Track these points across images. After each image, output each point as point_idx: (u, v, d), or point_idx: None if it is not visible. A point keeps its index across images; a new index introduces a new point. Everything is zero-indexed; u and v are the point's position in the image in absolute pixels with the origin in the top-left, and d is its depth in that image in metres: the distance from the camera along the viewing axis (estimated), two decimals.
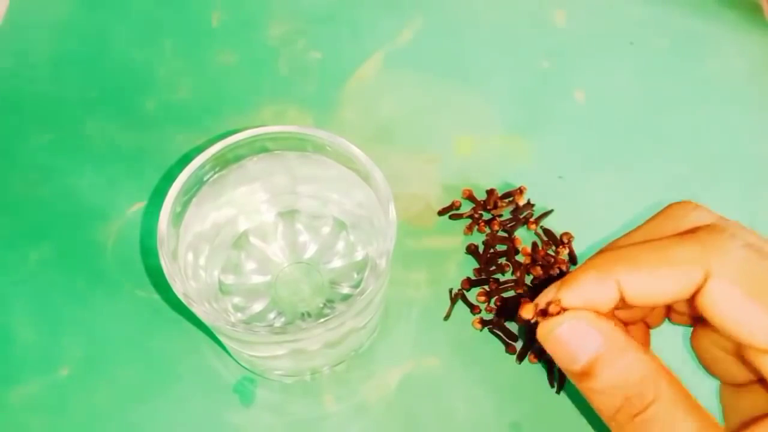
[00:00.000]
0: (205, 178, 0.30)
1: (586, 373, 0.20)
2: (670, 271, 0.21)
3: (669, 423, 0.19)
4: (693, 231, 0.22)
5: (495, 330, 0.34)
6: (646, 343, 0.27)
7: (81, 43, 0.43)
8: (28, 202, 0.37)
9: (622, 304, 0.21)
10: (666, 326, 0.27)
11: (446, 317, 0.35)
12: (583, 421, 0.33)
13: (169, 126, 0.40)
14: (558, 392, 0.33)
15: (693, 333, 0.25)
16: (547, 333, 0.21)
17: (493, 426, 0.32)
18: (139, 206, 0.37)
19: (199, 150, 0.29)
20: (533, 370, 0.34)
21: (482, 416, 0.33)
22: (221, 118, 0.40)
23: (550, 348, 0.21)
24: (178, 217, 0.29)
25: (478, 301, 0.35)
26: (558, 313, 0.21)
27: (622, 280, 0.21)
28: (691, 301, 0.21)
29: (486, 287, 0.35)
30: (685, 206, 0.23)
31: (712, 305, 0.20)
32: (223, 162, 0.30)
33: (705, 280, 0.20)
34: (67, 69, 0.42)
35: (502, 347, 0.34)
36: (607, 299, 0.21)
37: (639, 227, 0.24)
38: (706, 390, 0.24)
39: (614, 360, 0.20)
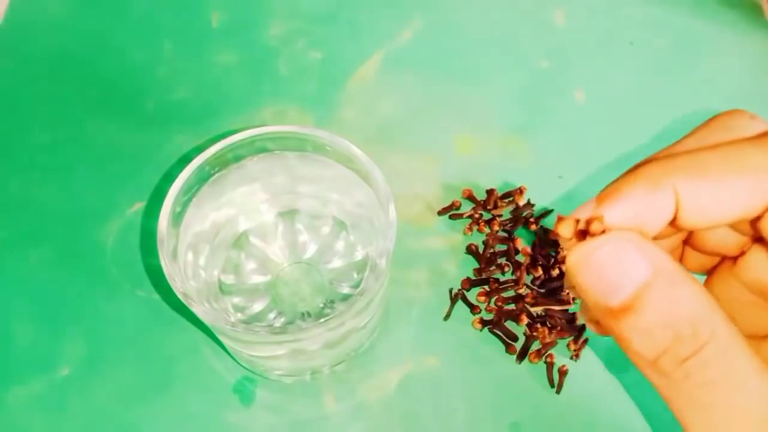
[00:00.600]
0: (205, 178, 0.30)
1: (627, 308, 0.16)
2: (743, 180, 0.17)
3: (725, 365, 0.16)
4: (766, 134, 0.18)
5: (495, 330, 0.34)
6: None
7: (81, 43, 0.43)
8: (28, 202, 0.37)
9: (673, 224, 0.18)
10: None
11: (446, 317, 0.35)
12: (583, 421, 0.33)
13: (169, 126, 0.40)
14: (558, 392, 0.33)
15: (711, 276, 0.22)
16: (583, 257, 0.17)
17: (493, 426, 0.32)
18: (139, 206, 0.37)
19: (199, 150, 0.29)
20: (533, 370, 0.34)
21: (482, 416, 0.33)
22: (221, 118, 0.40)
23: (583, 277, 0.17)
24: (178, 217, 0.29)
25: (478, 301, 0.35)
26: (601, 234, 0.17)
27: (682, 191, 0.17)
28: (755, 222, 0.18)
29: (486, 287, 0.35)
30: (741, 114, 0.19)
31: None
32: (223, 162, 0.30)
33: None
34: (67, 69, 0.42)
35: (502, 347, 0.34)
36: (660, 216, 0.17)
37: (686, 137, 0.20)
38: None
39: (665, 291, 0.16)
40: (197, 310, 0.26)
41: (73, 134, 0.39)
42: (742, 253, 0.20)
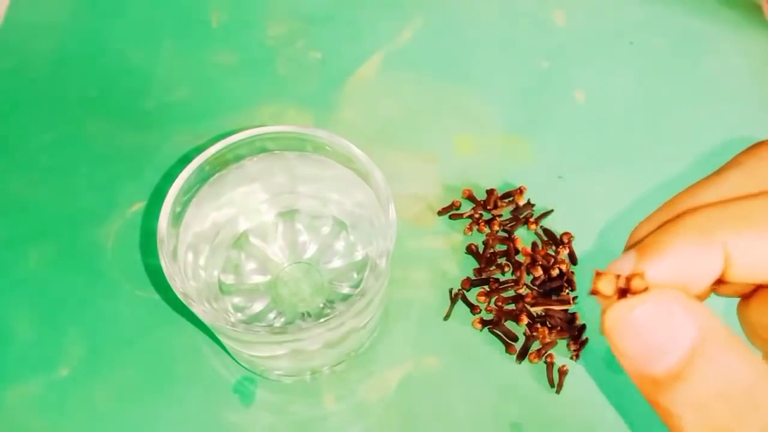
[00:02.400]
0: (205, 178, 0.30)
1: (674, 376, 0.14)
2: None
3: None
4: None
5: (495, 330, 0.34)
6: None
7: (81, 43, 0.43)
8: (28, 202, 0.37)
9: (720, 281, 0.16)
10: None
11: (446, 317, 0.35)
12: (583, 421, 0.33)
13: (169, 126, 0.40)
14: (558, 392, 0.33)
15: (744, 300, 0.20)
16: (623, 317, 0.15)
17: (493, 426, 0.32)
18: (139, 206, 0.37)
19: (199, 150, 0.29)
20: (533, 370, 0.34)
21: (482, 416, 0.33)
22: (221, 118, 0.40)
23: (622, 338, 0.15)
24: (178, 217, 0.29)
25: (478, 301, 0.35)
26: (642, 291, 0.15)
27: (731, 247, 0.15)
28: None
29: (486, 287, 0.35)
30: None
31: None
32: (223, 162, 0.30)
33: None
34: (67, 69, 0.42)
35: (502, 347, 0.34)
36: (709, 274, 0.15)
37: (715, 174, 0.18)
38: None
39: (714, 358, 0.14)
40: (197, 310, 0.26)
41: (73, 134, 0.39)
42: None
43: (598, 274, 0.16)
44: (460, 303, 0.35)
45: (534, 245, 0.36)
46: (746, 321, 0.19)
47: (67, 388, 0.33)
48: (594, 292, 0.16)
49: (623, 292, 0.15)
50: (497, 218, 0.37)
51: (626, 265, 0.16)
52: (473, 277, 0.35)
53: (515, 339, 0.34)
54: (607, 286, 0.15)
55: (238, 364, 0.33)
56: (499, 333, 0.34)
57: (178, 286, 0.26)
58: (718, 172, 0.18)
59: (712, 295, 0.19)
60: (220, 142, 0.29)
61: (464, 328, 0.35)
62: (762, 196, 0.16)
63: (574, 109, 0.41)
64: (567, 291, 0.35)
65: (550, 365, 0.33)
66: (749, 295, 0.19)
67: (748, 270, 0.16)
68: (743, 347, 0.15)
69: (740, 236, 0.15)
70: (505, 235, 0.37)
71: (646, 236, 0.16)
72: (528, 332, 0.34)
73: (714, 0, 0.45)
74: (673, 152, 0.40)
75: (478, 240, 0.37)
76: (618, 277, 0.15)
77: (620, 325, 0.15)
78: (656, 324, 0.15)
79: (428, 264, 0.36)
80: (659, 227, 0.16)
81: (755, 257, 0.15)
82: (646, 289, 0.15)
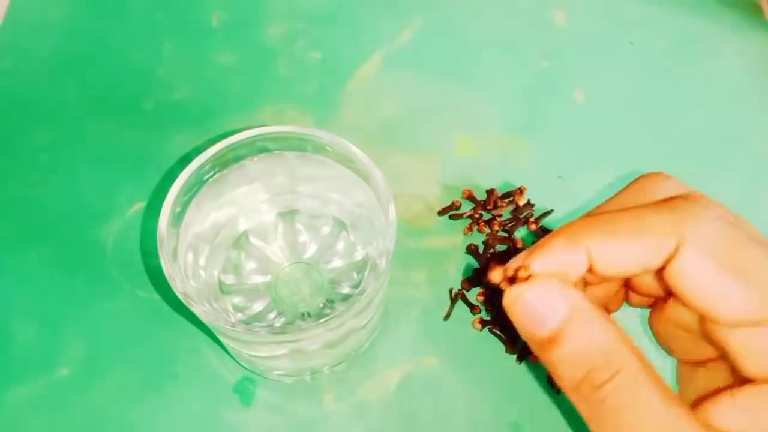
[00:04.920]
0: (205, 178, 0.30)
1: (550, 341, 0.20)
2: (642, 240, 0.20)
3: (634, 392, 0.19)
4: (667, 200, 0.21)
5: (495, 330, 0.34)
6: None
7: (81, 43, 0.43)
8: (28, 202, 0.37)
9: (591, 273, 0.21)
10: (624, 308, 0.27)
11: (446, 317, 0.35)
12: (583, 421, 0.33)
13: (169, 126, 0.40)
14: (558, 392, 0.33)
15: (651, 312, 0.25)
16: (514, 298, 0.20)
17: (493, 426, 0.32)
18: (139, 206, 0.37)
19: (199, 150, 0.29)
20: (533, 370, 0.34)
21: (482, 416, 0.33)
22: (221, 118, 0.40)
23: (515, 314, 0.20)
24: (178, 217, 0.29)
25: (478, 301, 0.35)
26: (526, 279, 0.20)
27: (592, 248, 0.21)
28: (660, 272, 0.21)
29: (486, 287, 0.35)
30: (656, 177, 0.23)
31: (682, 275, 0.20)
32: (223, 162, 0.30)
33: (677, 250, 0.20)
34: (67, 69, 0.42)
35: (502, 347, 0.34)
36: (577, 267, 0.21)
37: (611, 198, 0.24)
38: (662, 368, 0.24)
39: (581, 328, 0.20)
40: (197, 310, 0.26)
41: (73, 134, 0.39)
42: (668, 296, 0.23)
43: (492, 267, 0.21)
44: (460, 303, 0.35)
45: None
46: (654, 328, 0.25)
47: (67, 388, 0.33)
48: (487, 280, 0.22)
49: (512, 280, 0.21)
50: (497, 218, 0.37)
51: (519, 260, 0.21)
52: (473, 277, 0.35)
53: (515, 339, 0.34)
54: (496, 276, 0.21)
55: (238, 364, 0.33)
56: (499, 333, 0.34)
57: (178, 286, 0.26)
58: (616, 194, 0.24)
59: (625, 305, 0.26)
60: (220, 142, 0.29)
61: (464, 328, 0.35)
62: (619, 212, 0.21)
63: (574, 109, 0.41)
64: None
65: None
66: (653, 307, 0.25)
67: (606, 266, 0.21)
68: (605, 321, 0.20)
69: (598, 241, 0.21)
70: (505, 235, 0.37)
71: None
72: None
73: (714, 0, 0.45)
74: (673, 152, 0.40)
75: (478, 240, 0.37)
76: (505, 269, 0.21)
77: (515, 302, 0.20)
78: (538, 302, 0.20)
79: (428, 264, 0.36)
80: (549, 234, 0.22)
81: (610, 256, 0.21)
82: (528, 278, 0.20)
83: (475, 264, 0.36)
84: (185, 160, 0.38)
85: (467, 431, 0.32)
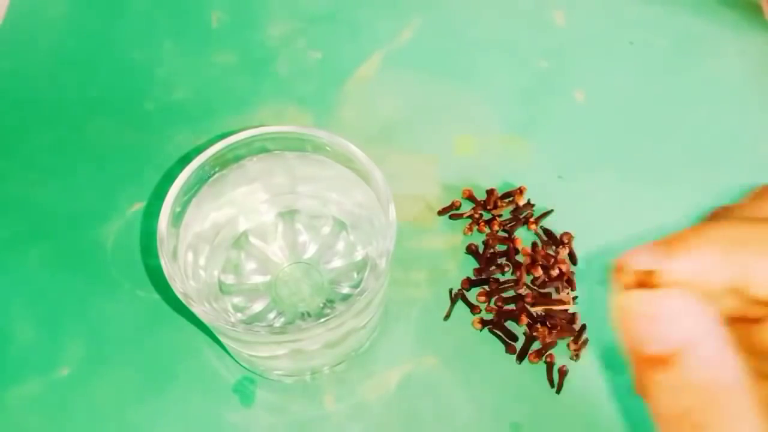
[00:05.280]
0: (205, 178, 0.30)
1: (662, 361, 0.16)
2: None
3: None
4: None
5: (495, 330, 0.34)
6: None
7: (81, 43, 0.43)
8: (28, 202, 0.37)
9: (736, 293, 0.17)
10: None
11: (446, 317, 0.35)
12: (583, 421, 0.33)
13: (169, 126, 0.40)
14: (558, 392, 0.33)
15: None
16: (635, 303, 0.17)
17: (493, 426, 0.32)
18: (139, 206, 0.37)
19: (199, 150, 0.29)
20: (533, 370, 0.34)
21: (482, 416, 0.33)
22: (221, 118, 0.40)
23: (630, 321, 0.17)
24: (178, 217, 0.29)
25: (478, 301, 0.35)
26: (657, 287, 0.17)
27: (753, 264, 0.17)
28: None
29: (486, 287, 0.35)
30: None
31: None
32: (222, 162, 0.30)
33: None
34: (67, 69, 0.42)
35: (502, 347, 0.34)
36: (724, 283, 0.17)
37: (734, 206, 0.20)
38: None
39: (706, 357, 0.16)
40: (197, 310, 0.26)
41: (73, 134, 0.39)
42: None
43: (620, 267, 0.18)
44: (460, 303, 0.35)
45: (534, 245, 0.36)
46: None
47: (67, 388, 0.33)
48: (617, 277, 0.18)
49: (640, 284, 0.17)
50: (497, 218, 0.37)
51: (647, 257, 0.17)
52: (473, 277, 0.35)
53: (515, 339, 0.34)
54: (626, 280, 0.17)
55: (238, 364, 0.33)
56: (499, 333, 0.34)
57: (178, 286, 0.26)
58: (740, 202, 0.20)
59: None
60: (220, 142, 0.29)
61: (464, 328, 0.35)
62: None
63: (574, 109, 0.41)
64: (567, 291, 0.35)
65: (550, 365, 0.33)
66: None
67: (762, 290, 0.17)
68: (730, 356, 0.16)
69: (762, 257, 0.17)
70: (505, 235, 0.37)
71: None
72: (528, 332, 0.34)
73: (714, 0, 0.45)
74: (673, 152, 0.40)
75: (478, 240, 0.37)
76: (636, 272, 0.17)
77: (633, 310, 0.17)
78: (665, 315, 0.17)
79: (428, 264, 0.36)
80: (691, 228, 0.18)
81: None
82: (660, 285, 0.17)
83: (475, 264, 0.36)
84: (185, 160, 0.38)
85: (467, 431, 0.32)
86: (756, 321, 0.19)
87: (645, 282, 0.17)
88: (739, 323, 0.20)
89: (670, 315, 0.17)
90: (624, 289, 0.17)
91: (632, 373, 0.18)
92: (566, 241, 0.36)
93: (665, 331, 0.17)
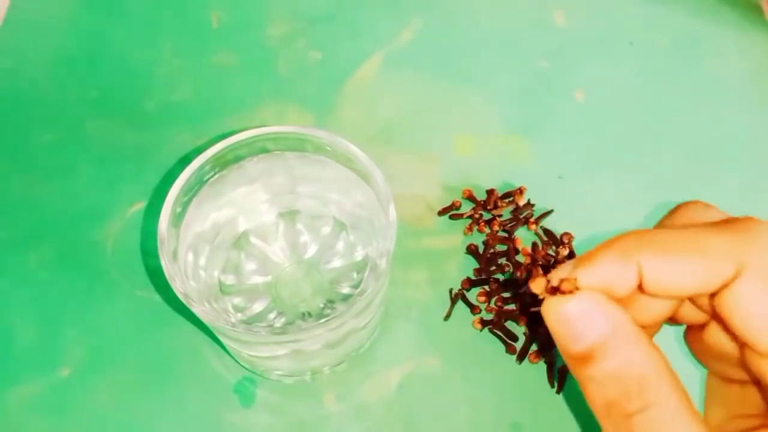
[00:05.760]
0: (205, 179, 0.30)
1: (585, 357, 0.19)
2: (700, 261, 0.19)
3: (665, 430, 0.18)
4: (729, 222, 0.20)
5: (495, 330, 0.34)
6: None
7: (81, 43, 0.43)
8: (28, 202, 0.37)
9: (639, 291, 0.20)
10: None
11: (446, 317, 0.35)
12: (583, 421, 0.33)
13: (169, 126, 0.40)
14: (558, 392, 0.33)
15: (688, 330, 0.24)
16: (553, 308, 0.19)
17: (493, 426, 0.32)
18: (139, 206, 0.37)
19: (199, 150, 0.29)
20: (533, 370, 0.34)
21: (482, 416, 0.33)
22: (221, 118, 0.40)
23: (552, 324, 0.19)
24: (178, 218, 0.29)
25: (478, 301, 0.35)
26: (570, 293, 0.19)
27: (645, 265, 0.19)
28: (711, 296, 0.20)
29: (486, 287, 0.35)
30: (696, 205, 0.22)
31: (736, 303, 0.19)
32: (223, 162, 0.30)
33: (736, 275, 0.19)
34: (67, 69, 0.42)
35: (502, 347, 0.34)
36: (625, 284, 0.19)
37: (656, 226, 0.23)
38: (692, 374, 0.24)
39: (619, 349, 0.18)
40: (197, 310, 0.26)
41: (73, 134, 0.39)
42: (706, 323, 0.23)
43: (534, 276, 0.20)
44: (460, 303, 0.35)
45: (534, 245, 0.36)
46: (691, 346, 0.24)
47: (67, 388, 0.33)
48: (528, 290, 0.20)
49: (554, 291, 0.20)
50: (497, 218, 0.37)
51: (564, 270, 0.20)
52: (473, 277, 0.35)
53: (515, 339, 0.34)
54: (538, 288, 0.20)
55: (238, 364, 0.33)
56: (499, 333, 0.34)
57: (178, 287, 0.26)
58: (659, 222, 0.23)
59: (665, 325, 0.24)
60: (220, 142, 0.29)
61: (464, 328, 0.35)
62: (676, 231, 0.20)
63: (574, 109, 0.41)
64: None
65: (550, 365, 0.33)
66: (698, 326, 0.23)
67: (659, 286, 0.19)
68: (646, 345, 0.19)
69: (652, 258, 0.19)
70: (505, 235, 0.37)
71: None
72: (528, 332, 0.34)
73: (714, 0, 0.45)
74: (673, 152, 0.40)
75: (478, 240, 0.37)
76: (549, 280, 0.20)
77: (552, 314, 0.19)
78: (578, 315, 0.19)
79: (428, 264, 0.36)
80: (598, 245, 0.20)
81: (663, 276, 0.19)
82: (572, 291, 0.19)
83: (475, 264, 0.36)
84: (185, 160, 0.38)
85: (467, 431, 0.32)
86: (702, 327, 0.22)
87: (559, 289, 0.19)
88: (691, 331, 0.23)
89: (583, 315, 0.19)
90: (547, 297, 0.20)
91: (571, 371, 0.20)
92: (566, 241, 0.36)
93: (581, 330, 0.19)
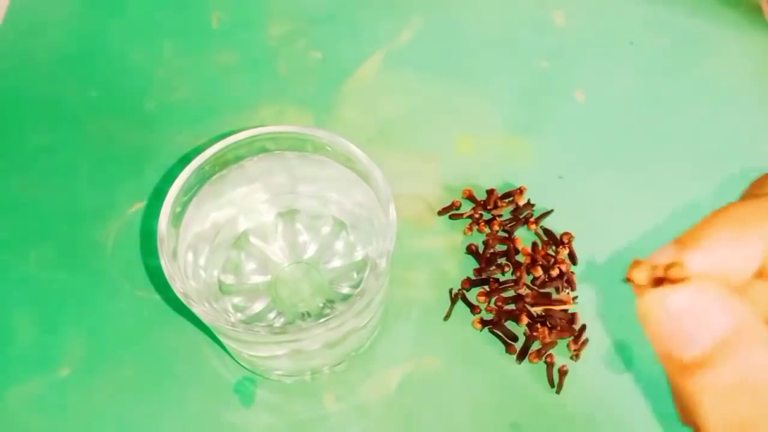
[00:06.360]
0: (205, 178, 0.30)
1: (701, 363, 0.15)
2: None
3: None
4: None
5: (495, 330, 0.34)
6: None
7: (81, 43, 0.43)
8: (28, 202, 0.37)
9: (762, 274, 0.16)
10: None
11: (446, 317, 0.35)
12: (583, 421, 0.33)
13: (169, 126, 0.40)
14: (558, 392, 0.33)
15: None
16: (658, 302, 0.15)
17: (493, 426, 0.32)
18: (139, 206, 0.37)
19: (199, 150, 0.29)
20: (533, 370, 0.34)
21: (482, 416, 0.33)
22: (221, 118, 0.40)
23: (655, 324, 0.15)
24: (178, 217, 0.29)
25: (478, 301, 0.35)
26: (680, 281, 0.15)
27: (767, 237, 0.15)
28: None
29: (486, 287, 0.35)
30: None
31: None
32: (223, 162, 0.30)
33: None
34: (67, 69, 0.42)
35: (502, 347, 0.34)
36: (746, 266, 0.16)
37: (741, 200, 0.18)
38: None
39: (745, 352, 0.14)
40: (197, 310, 0.26)
41: (73, 134, 0.39)
42: None
43: (636, 263, 0.16)
44: (460, 303, 0.35)
45: (534, 245, 0.36)
46: None
47: (67, 388, 0.33)
48: (628, 280, 0.16)
49: (659, 281, 0.16)
50: (497, 218, 0.37)
51: (665, 254, 0.16)
52: (473, 277, 0.35)
53: (515, 339, 0.34)
54: (640, 276, 0.16)
55: (238, 364, 0.33)
56: (499, 333, 0.34)
57: (178, 286, 0.26)
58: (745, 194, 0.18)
59: None
60: (220, 142, 0.29)
61: (464, 328, 0.35)
62: None
63: (574, 109, 0.41)
64: (567, 291, 0.35)
65: (550, 365, 0.33)
66: None
67: None
68: None
69: None
70: (505, 235, 0.37)
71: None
72: (528, 332, 0.34)
73: (714, 0, 0.45)
74: (673, 152, 0.40)
75: (478, 240, 0.37)
76: (654, 267, 0.16)
77: (656, 311, 0.15)
78: (690, 312, 0.15)
79: (428, 264, 0.36)
80: (702, 220, 0.16)
81: None
82: (684, 279, 0.15)
83: (475, 264, 0.36)
84: (185, 160, 0.38)
85: (467, 431, 0.32)
86: None
87: (666, 278, 0.16)
88: None
89: (700, 310, 0.15)
90: (644, 291, 0.16)
91: (674, 395, 0.16)
92: (566, 241, 0.36)
93: (695, 329, 0.15)
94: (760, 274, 0.16)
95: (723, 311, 0.15)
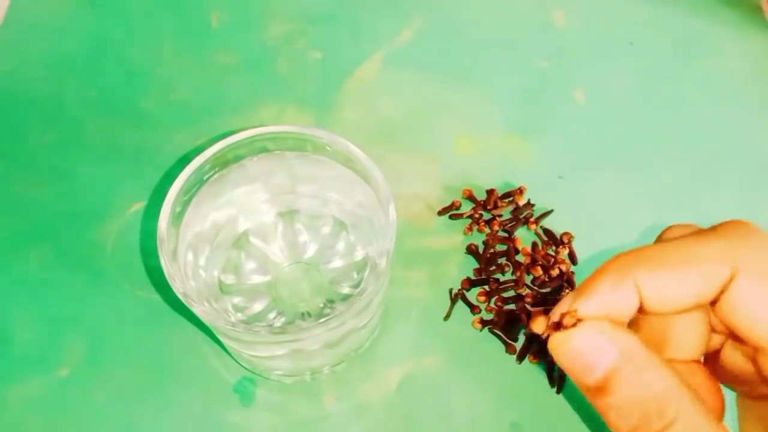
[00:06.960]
0: (205, 178, 0.30)
1: (600, 388, 0.19)
2: (695, 269, 0.19)
3: None
4: (715, 228, 0.20)
5: (495, 330, 0.34)
6: None
7: (81, 43, 0.43)
8: (28, 202, 0.37)
9: (641, 312, 0.20)
10: None
11: (446, 317, 0.35)
12: (583, 421, 0.33)
13: (169, 126, 0.40)
14: (558, 392, 0.33)
15: (706, 359, 0.24)
16: (558, 345, 0.19)
17: (493, 426, 0.32)
18: (139, 206, 0.37)
19: (199, 150, 0.29)
20: (533, 370, 0.34)
21: (482, 416, 0.33)
22: (221, 118, 0.40)
23: (562, 361, 0.19)
24: (178, 217, 0.29)
25: (478, 301, 0.35)
26: (573, 326, 0.19)
27: (641, 283, 0.19)
28: (712, 305, 0.20)
29: (486, 287, 0.35)
30: (679, 225, 0.22)
31: (737, 305, 0.19)
32: (223, 162, 0.30)
33: (731, 278, 0.19)
34: (66, 69, 0.42)
35: (502, 347, 0.34)
36: (627, 305, 0.19)
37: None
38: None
39: (631, 374, 0.18)
40: (197, 310, 0.26)
41: (72, 134, 0.39)
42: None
43: (534, 317, 0.20)
44: (460, 303, 0.35)
45: (534, 245, 0.36)
46: (716, 373, 0.23)
47: (67, 388, 0.33)
48: (530, 331, 0.20)
49: (557, 326, 0.19)
50: (497, 218, 0.37)
51: (564, 305, 0.20)
52: (473, 277, 0.35)
53: (515, 339, 0.34)
54: (539, 328, 0.20)
55: (238, 364, 0.33)
56: (499, 333, 0.34)
57: (178, 286, 0.26)
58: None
59: None
60: (220, 142, 0.29)
61: (464, 328, 0.35)
62: (664, 243, 0.20)
63: (574, 109, 0.41)
64: (567, 291, 0.35)
65: (550, 365, 0.33)
66: (713, 352, 0.23)
67: (658, 301, 0.19)
68: (657, 365, 0.18)
69: (648, 274, 0.19)
70: (505, 235, 0.37)
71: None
72: (528, 332, 0.34)
73: (714, 0, 0.45)
74: (673, 152, 0.40)
75: (478, 240, 0.37)
76: (549, 318, 0.20)
77: (559, 350, 0.19)
78: (584, 348, 0.19)
79: (428, 264, 0.36)
80: (595, 271, 0.20)
81: (660, 290, 0.19)
82: (576, 323, 0.19)
83: (475, 264, 0.36)
84: (185, 160, 0.38)
85: (467, 431, 0.32)
86: (717, 351, 0.23)
87: (561, 324, 0.19)
88: (708, 358, 0.23)
89: (589, 346, 0.19)
90: (548, 334, 0.20)
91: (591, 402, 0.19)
92: (566, 241, 0.36)
93: (591, 361, 0.19)
94: (640, 310, 0.20)
95: (611, 344, 0.19)
